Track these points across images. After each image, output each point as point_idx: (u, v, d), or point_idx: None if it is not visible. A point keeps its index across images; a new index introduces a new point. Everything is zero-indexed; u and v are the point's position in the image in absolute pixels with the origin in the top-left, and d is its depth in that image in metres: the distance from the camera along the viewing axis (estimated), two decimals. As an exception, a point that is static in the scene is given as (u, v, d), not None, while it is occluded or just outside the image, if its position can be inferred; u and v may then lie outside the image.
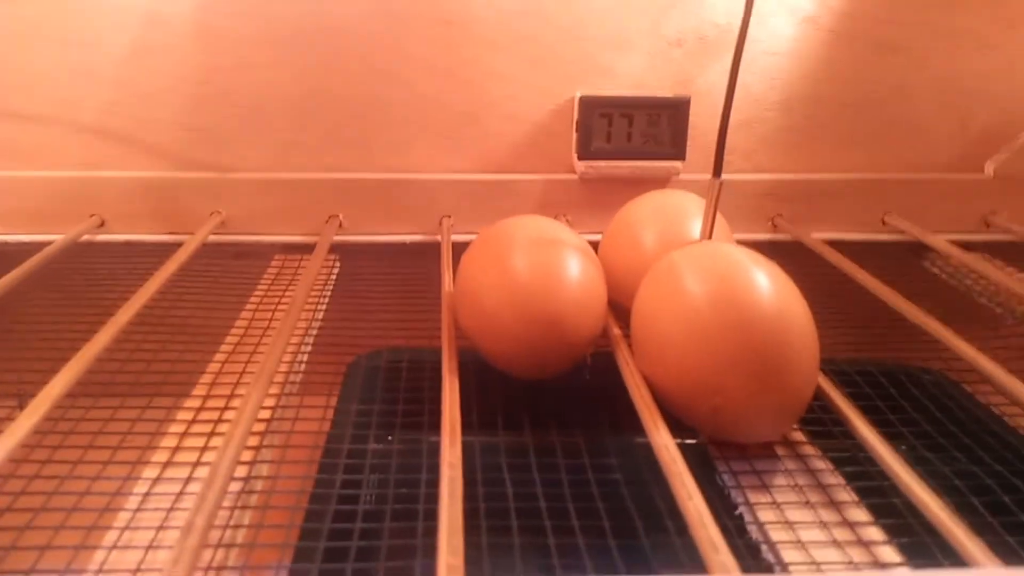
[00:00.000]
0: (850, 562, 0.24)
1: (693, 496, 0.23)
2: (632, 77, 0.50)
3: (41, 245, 0.45)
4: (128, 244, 0.49)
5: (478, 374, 0.32)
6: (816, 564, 0.24)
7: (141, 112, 0.48)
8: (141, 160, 0.49)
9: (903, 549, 0.25)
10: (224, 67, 0.48)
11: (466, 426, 0.26)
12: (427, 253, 0.50)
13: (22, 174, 0.48)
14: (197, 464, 0.27)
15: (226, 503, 0.25)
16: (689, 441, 0.29)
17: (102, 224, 0.49)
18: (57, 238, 0.46)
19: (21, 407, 0.42)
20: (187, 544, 0.20)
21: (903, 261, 0.52)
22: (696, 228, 0.35)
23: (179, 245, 0.43)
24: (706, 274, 0.29)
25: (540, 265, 0.31)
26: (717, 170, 0.33)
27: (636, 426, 0.29)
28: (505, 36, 0.48)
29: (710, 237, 0.33)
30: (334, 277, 0.46)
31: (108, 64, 0.47)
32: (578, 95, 0.49)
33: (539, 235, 0.33)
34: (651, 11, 0.49)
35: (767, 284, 0.28)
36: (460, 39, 0.48)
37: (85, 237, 0.48)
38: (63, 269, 0.45)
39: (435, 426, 0.30)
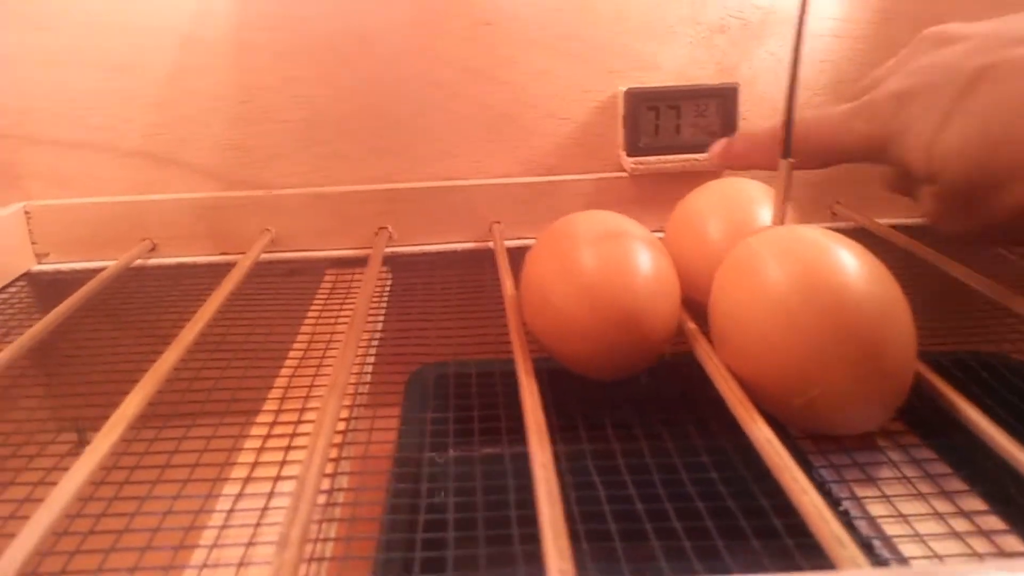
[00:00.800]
0: (974, 553, 0.23)
1: (808, 491, 0.21)
2: (676, 67, 0.49)
3: (94, 271, 0.45)
4: (180, 266, 0.49)
5: (549, 380, 0.31)
6: (939, 557, 0.23)
7: (185, 133, 0.48)
8: (188, 181, 0.49)
9: (1027, 536, 0.23)
10: (264, 84, 0.48)
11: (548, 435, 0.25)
12: (478, 260, 0.49)
13: (70, 201, 0.48)
14: (278, 479, 0.27)
15: (314, 516, 0.24)
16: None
17: (154, 248, 0.49)
18: (109, 264, 0.46)
19: (82, 440, 0.42)
20: (285, 557, 0.20)
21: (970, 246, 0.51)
22: (763, 215, 0.34)
23: (230, 265, 0.43)
24: (790, 258, 0.27)
25: (611, 259, 0.31)
26: (786, 151, 0.31)
27: (724, 422, 0.28)
28: (544, 33, 0.48)
29: (783, 222, 0.32)
30: (388, 289, 0.46)
31: (150, 87, 0.47)
32: (622, 89, 0.49)
33: (605, 229, 0.32)
34: (692, -1, 0.48)
35: (857, 265, 0.26)
36: (499, 39, 0.48)
37: (137, 262, 0.48)
38: (117, 295, 0.45)
39: (514, 432, 0.29)
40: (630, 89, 0.48)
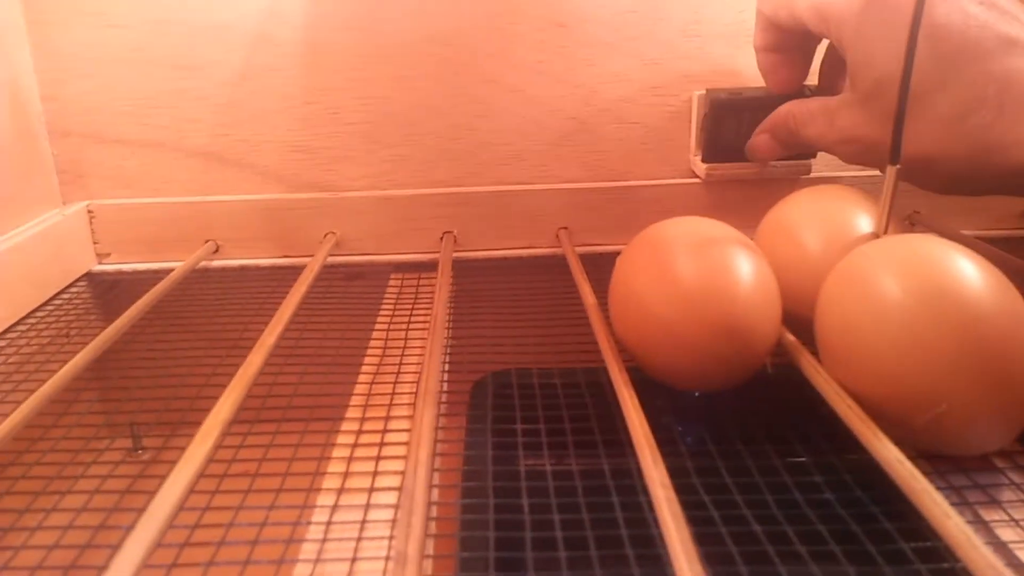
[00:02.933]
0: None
1: (951, 515, 0.20)
2: (752, 72, 0.47)
3: (155, 272, 0.45)
4: (243, 269, 0.48)
5: (642, 394, 0.30)
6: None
7: (251, 134, 0.48)
8: (253, 183, 0.48)
9: None
10: (332, 85, 0.47)
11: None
12: (546, 266, 0.48)
13: (133, 201, 0.48)
14: (372, 490, 0.26)
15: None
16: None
17: (217, 250, 0.48)
18: (171, 265, 0.45)
19: (135, 446, 0.42)
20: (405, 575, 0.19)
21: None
22: (862, 223, 0.33)
23: (294, 268, 0.42)
24: (907, 270, 0.26)
25: (710, 267, 0.29)
26: (895, 156, 0.30)
27: (832, 439, 0.27)
28: (617, 36, 0.47)
29: (886, 231, 0.31)
30: (453, 295, 0.45)
31: (217, 87, 0.47)
32: (696, 94, 0.47)
33: (704, 235, 0.31)
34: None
35: (980, 277, 0.25)
36: (572, 41, 0.47)
37: (202, 263, 0.47)
38: (181, 298, 0.44)
39: (612, 445, 0.28)
40: (704, 94, 0.47)
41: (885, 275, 0.26)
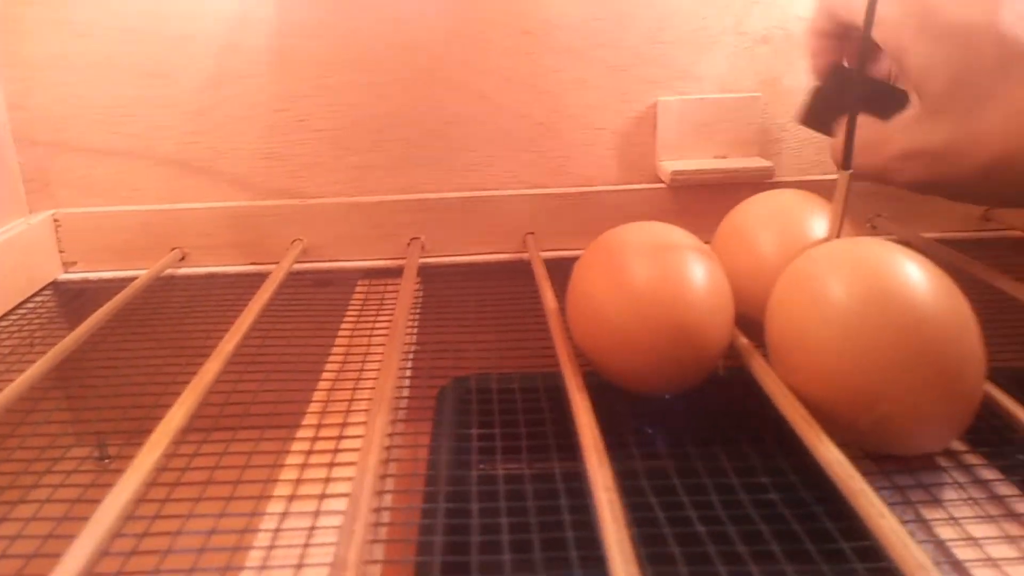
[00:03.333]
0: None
1: (885, 515, 0.21)
2: (716, 78, 0.48)
3: (121, 281, 0.45)
4: (210, 276, 0.48)
5: (598, 398, 0.30)
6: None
7: (219, 142, 0.48)
8: (221, 190, 0.49)
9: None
10: (301, 93, 0.47)
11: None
12: (513, 272, 0.49)
13: (99, 210, 0.48)
14: (323, 496, 0.26)
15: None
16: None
17: (183, 257, 0.48)
18: (139, 273, 0.45)
19: (101, 455, 0.42)
20: (345, 583, 0.19)
21: (1011, 256, 0.50)
22: (816, 227, 0.33)
23: (262, 275, 0.42)
24: (854, 273, 0.27)
25: (664, 272, 0.30)
26: (847, 162, 0.31)
27: (781, 441, 0.27)
28: (584, 43, 0.47)
29: (839, 235, 0.31)
30: (419, 301, 0.45)
31: (186, 95, 0.47)
32: (660, 100, 0.48)
33: (658, 240, 0.31)
34: (734, 8, 0.47)
35: (926, 280, 0.26)
36: (538, 49, 0.47)
37: (167, 271, 0.47)
38: (146, 305, 0.44)
39: (564, 450, 0.28)
40: (667, 100, 0.47)
41: (831, 278, 0.27)
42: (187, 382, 0.30)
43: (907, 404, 0.24)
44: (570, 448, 0.28)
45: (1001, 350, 0.35)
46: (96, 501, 0.23)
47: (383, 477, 0.27)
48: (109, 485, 0.24)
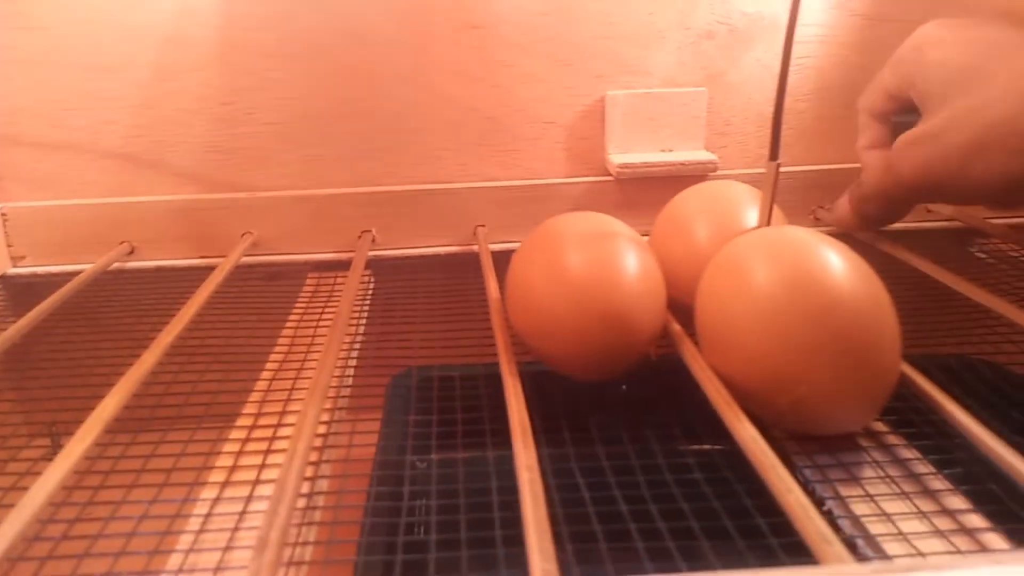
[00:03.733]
0: (957, 551, 0.23)
1: (793, 489, 0.21)
2: (663, 73, 0.49)
3: (71, 275, 0.44)
4: (159, 270, 0.48)
5: (534, 383, 0.31)
6: (922, 554, 0.23)
7: (167, 135, 0.48)
8: (169, 184, 0.48)
9: (1010, 535, 0.23)
10: (248, 85, 0.47)
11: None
12: (463, 264, 0.49)
13: (48, 203, 0.48)
14: (256, 483, 0.26)
15: (293, 520, 0.24)
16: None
17: (132, 251, 0.48)
18: (87, 267, 0.45)
19: (55, 445, 0.41)
20: (264, 560, 0.19)
21: (951, 248, 0.51)
22: (750, 217, 0.34)
23: (211, 268, 0.42)
24: (776, 259, 0.27)
25: (596, 259, 0.30)
26: (774, 153, 0.31)
27: (709, 424, 0.28)
28: (532, 38, 0.48)
29: (769, 223, 0.32)
30: (370, 293, 0.45)
31: (132, 88, 0.47)
32: (608, 94, 0.49)
33: (591, 229, 0.32)
34: (678, 4, 0.48)
35: (843, 265, 0.26)
36: (487, 43, 0.48)
37: (115, 265, 0.47)
38: (94, 298, 0.44)
39: (498, 435, 0.29)
40: (614, 95, 0.48)
41: (754, 264, 0.28)
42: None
43: (821, 385, 0.25)
44: (504, 434, 0.28)
45: (927, 337, 0.37)
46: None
47: (317, 463, 0.27)
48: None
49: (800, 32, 0.49)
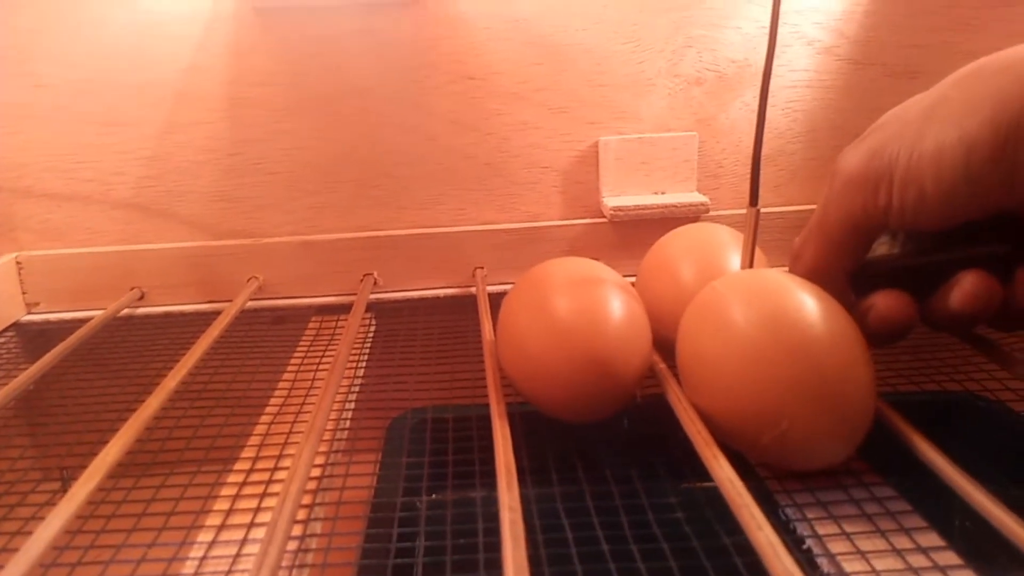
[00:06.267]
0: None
1: (763, 527, 0.22)
2: (654, 118, 0.50)
3: (84, 321, 0.46)
4: (168, 315, 0.50)
5: (525, 425, 0.32)
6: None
7: (176, 185, 0.50)
8: (178, 232, 0.50)
9: (982, 573, 0.24)
10: (253, 137, 0.49)
11: (519, 477, 0.26)
12: (462, 305, 0.50)
13: (61, 252, 0.50)
14: (251, 525, 0.27)
15: (284, 562, 0.25)
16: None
17: (142, 297, 0.50)
18: (98, 313, 0.46)
19: (64, 488, 0.43)
20: (251, 603, 0.20)
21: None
22: (733, 259, 0.35)
23: (219, 313, 0.44)
24: (754, 299, 0.28)
25: (582, 304, 0.31)
26: (754, 199, 0.32)
27: (693, 463, 0.29)
28: (525, 87, 0.49)
29: (751, 266, 0.33)
30: (371, 335, 0.46)
31: (141, 141, 0.49)
32: (601, 140, 0.50)
33: (578, 275, 0.33)
34: (667, 52, 0.49)
35: (817, 306, 0.27)
36: (482, 93, 0.49)
37: (125, 311, 0.48)
38: (104, 344, 0.45)
39: (488, 476, 0.29)
40: (606, 140, 0.49)
41: (733, 305, 0.28)
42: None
43: (800, 422, 0.26)
44: (493, 474, 0.29)
45: (917, 373, 0.38)
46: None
47: (310, 506, 0.28)
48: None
49: (788, 77, 0.50)
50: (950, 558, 0.24)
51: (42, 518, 0.25)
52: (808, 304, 0.27)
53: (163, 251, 0.50)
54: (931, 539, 0.25)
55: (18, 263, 0.49)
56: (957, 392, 0.35)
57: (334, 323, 0.48)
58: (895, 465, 0.29)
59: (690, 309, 0.31)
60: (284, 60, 0.48)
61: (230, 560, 0.25)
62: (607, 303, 0.31)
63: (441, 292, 0.51)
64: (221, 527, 0.27)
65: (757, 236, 0.33)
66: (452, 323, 0.47)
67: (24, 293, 0.50)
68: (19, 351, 0.48)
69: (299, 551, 0.26)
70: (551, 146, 0.51)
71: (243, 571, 0.25)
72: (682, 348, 0.30)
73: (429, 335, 0.46)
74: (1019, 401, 0.35)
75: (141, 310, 0.50)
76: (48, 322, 0.50)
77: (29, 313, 0.50)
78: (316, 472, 0.30)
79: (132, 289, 0.49)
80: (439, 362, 0.42)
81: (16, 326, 0.49)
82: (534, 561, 0.23)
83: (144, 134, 0.48)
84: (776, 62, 0.49)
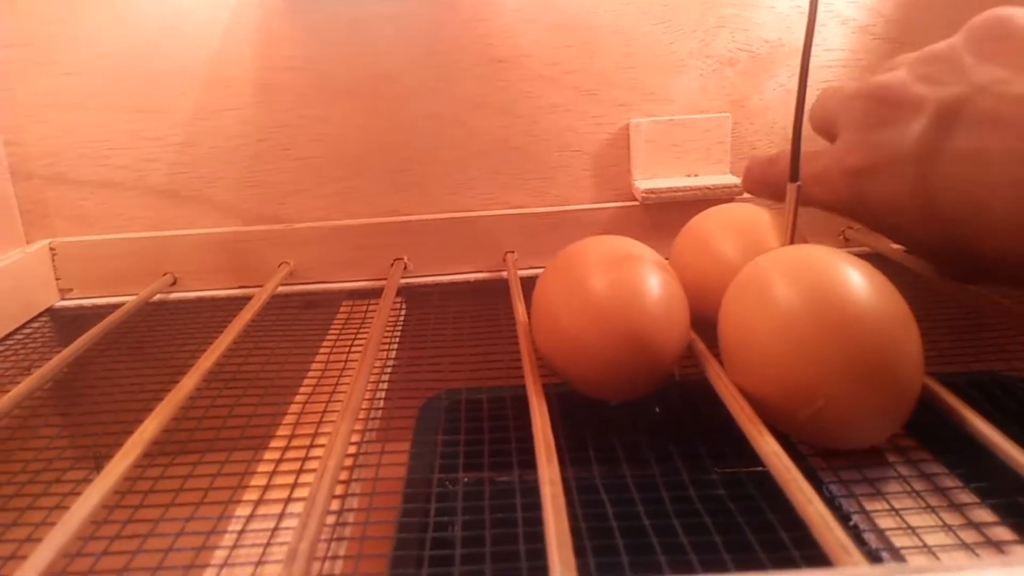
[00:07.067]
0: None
1: (813, 500, 0.21)
2: (686, 99, 0.50)
3: (115, 306, 0.46)
4: (200, 300, 0.50)
5: (562, 405, 0.32)
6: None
7: (207, 171, 0.50)
8: (209, 217, 0.50)
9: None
10: (283, 123, 0.49)
11: (558, 457, 0.26)
12: (493, 290, 0.50)
13: (94, 238, 0.50)
14: (288, 501, 0.27)
15: (323, 536, 0.24)
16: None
17: (175, 282, 0.50)
18: (131, 298, 0.47)
19: (98, 469, 0.43)
20: (293, 570, 0.20)
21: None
22: (769, 236, 0.35)
23: (250, 298, 0.44)
24: (797, 276, 0.28)
25: (619, 281, 0.31)
26: (795, 175, 0.32)
27: (734, 440, 0.28)
28: (555, 69, 0.49)
29: (792, 242, 0.33)
30: (402, 319, 0.46)
31: (173, 128, 0.49)
32: (632, 122, 0.49)
33: (614, 252, 0.32)
34: (699, 32, 0.49)
35: (862, 281, 0.27)
36: (511, 76, 0.49)
37: (158, 296, 0.49)
38: (137, 328, 0.46)
39: (524, 454, 0.29)
40: (638, 122, 0.49)
41: (776, 281, 0.28)
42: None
43: (841, 398, 0.25)
44: (530, 453, 0.29)
45: (967, 356, 0.37)
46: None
47: (347, 482, 0.28)
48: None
49: (823, 57, 0.49)
50: (1002, 533, 0.24)
51: (79, 494, 0.25)
52: (852, 280, 0.27)
53: (195, 237, 0.50)
54: (983, 515, 0.25)
55: (52, 249, 0.50)
56: (1007, 372, 0.35)
57: (364, 307, 0.47)
58: (945, 442, 0.28)
59: (732, 287, 0.30)
60: (312, 45, 0.48)
61: (269, 533, 0.25)
62: (644, 280, 0.31)
63: (471, 277, 0.51)
64: (259, 502, 0.27)
65: (798, 213, 0.33)
66: (483, 307, 0.46)
67: (58, 279, 0.50)
68: (53, 336, 0.48)
69: (337, 524, 0.26)
70: (581, 129, 0.50)
71: (283, 543, 0.25)
72: (724, 325, 0.30)
73: (460, 319, 0.45)
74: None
75: (174, 295, 0.50)
76: (82, 307, 0.50)
77: (63, 299, 0.50)
78: (352, 450, 0.30)
79: (165, 275, 0.50)
80: (472, 344, 0.41)
81: (50, 311, 0.49)
82: (575, 534, 0.23)
83: (175, 120, 0.49)
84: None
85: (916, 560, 0.23)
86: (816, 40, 0.49)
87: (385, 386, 0.38)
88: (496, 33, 0.48)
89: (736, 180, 0.48)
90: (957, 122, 0.29)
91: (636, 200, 0.50)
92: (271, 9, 0.47)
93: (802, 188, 0.32)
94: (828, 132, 0.36)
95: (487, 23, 0.48)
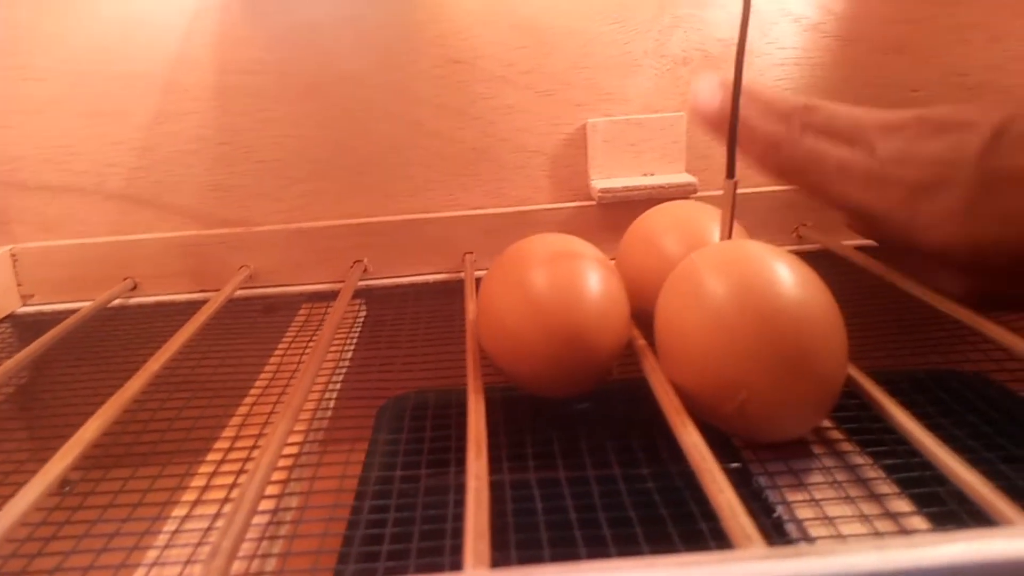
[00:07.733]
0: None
1: (724, 490, 0.22)
2: (641, 99, 0.50)
3: (77, 311, 0.46)
4: (160, 304, 0.50)
5: (504, 405, 0.32)
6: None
7: (168, 175, 0.50)
8: (170, 221, 0.51)
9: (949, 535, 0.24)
10: (243, 126, 0.50)
11: (495, 457, 0.26)
12: (452, 291, 0.50)
13: (56, 243, 0.50)
14: (224, 502, 0.27)
15: (255, 535, 0.25)
16: (734, 465, 0.28)
17: (135, 287, 0.50)
18: (89, 303, 0.47)
19: (63, 483, 0.43)
20: (213, 566, 0.20)
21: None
22: (714, 233, 0.35)
23: (208, 301, 0.44)
24: (726, 269, 0.28)
25: (558, 278, 0.31)
26: (730, 171, 0.32)
27: (666, 435, 0.29)
28: (511, 70, 0.49)
29: (730, 237, 0.33)
30: (360, 322, 0.47)
31: (132, 132, 0.49)
32: (589, 122, 0.50)
33: (556, 250, 0.33)
34: (654, 32, 0.49)
35: (787, 274, 0.27)
36: (467, 77, 0.49)
37: (118, 300, 0.49)
38: (95, 333, 0.46)
39: (462, 454, 0.29)
40: (594, 122, 0.49)
41: (705, 275, 0.28)
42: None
43: (761, 390, 0.26)
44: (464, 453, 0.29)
45: (907, 352, 0.37)
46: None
47: (284, 482, 0.28)
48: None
49: (776, 55, 0.50)
50: (918, 523, 0.24)
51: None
52: (779, 273, 0.27)
53: (156, 241, 0.50)
54: (900, 505, 0.25)
55: (13, 256, 0.50)
56: (946, 369, 0.35)
57: (323, 310, 0.48)
58: (872, 435, 0.29)
59: (668, 281, 0.30)
60: (271, 48, 0.49)
61: (201, 533, 0.26)
62: (583, 277, 0.31)
63: (431, 278, 0.51)
64: (196, 503, 0.28)
65: (735, 209, 0.33)
66: (441, 308, 0.47)
67: (19, 285, 0.51)
68: (14, 342, 0.48)
69: (270, 524, 0.26)
70: (538, 129, 0.50)
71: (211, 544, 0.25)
72: (658, 320, 0.30)
73: (417, 320, 0.46)
74: (999, 372, 0.35)
75: (133, 300, 0.50)
76: (43, 313, 0.50)
77: (24, 305, 0.51)
78: (292, 450, 0.30)
79: (125, 279, 0.50)
80: (426, 347, 0.42)
81: (11, 318, 0.50)
82: (503, 529, 0.23)
83: (135, 125, 0.49)
84: (763, 40, 0.49)
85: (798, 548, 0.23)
86: (768, 39, 0.49)
87: (335, 391, 0.38)
88: (452, 34, 0.49)
89: (692, 179, 0.48)
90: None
91: (593, 200, 0.50)
92: (230, 13, 0.48)
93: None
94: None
95: (443, 24, 0.49)
